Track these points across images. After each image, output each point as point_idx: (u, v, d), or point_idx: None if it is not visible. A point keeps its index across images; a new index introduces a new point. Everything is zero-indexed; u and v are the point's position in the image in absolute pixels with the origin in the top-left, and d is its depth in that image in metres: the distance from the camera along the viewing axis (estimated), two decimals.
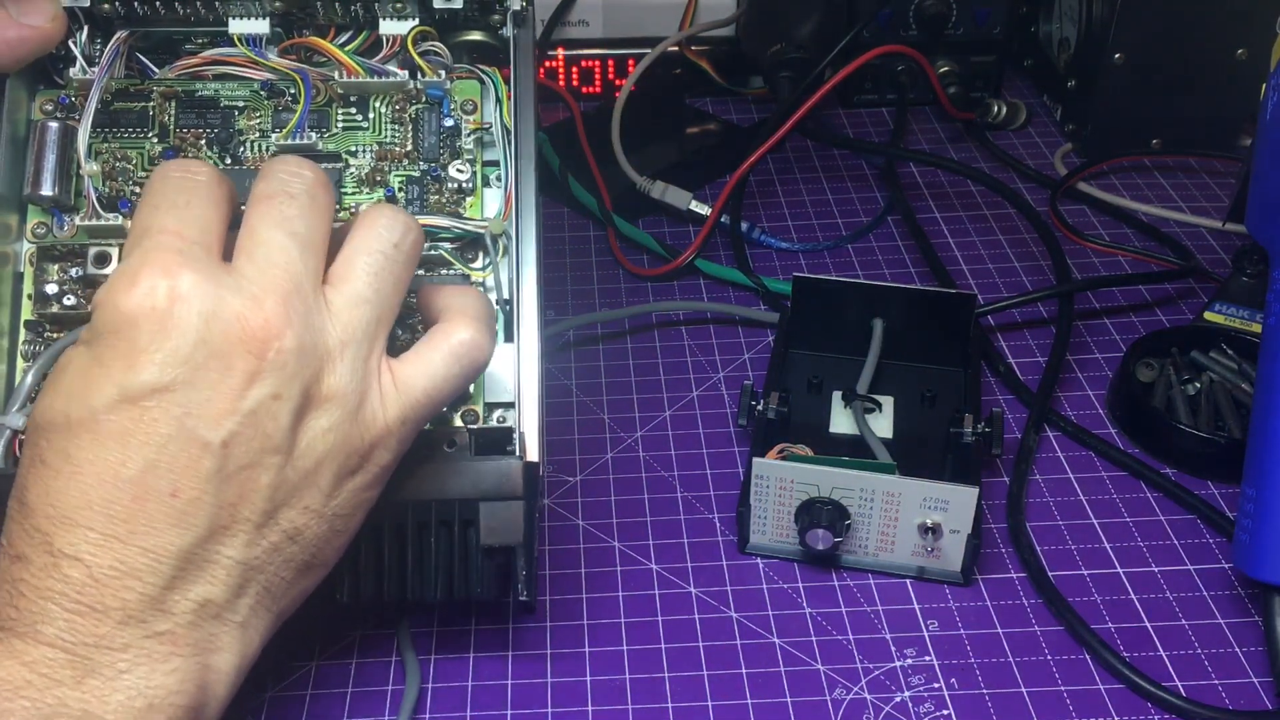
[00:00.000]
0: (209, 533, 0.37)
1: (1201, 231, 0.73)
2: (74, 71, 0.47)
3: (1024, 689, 0.46)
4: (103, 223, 0.45)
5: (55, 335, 0.46)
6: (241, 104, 0.48)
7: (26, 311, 0.46)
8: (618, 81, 0.87)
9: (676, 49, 0.86)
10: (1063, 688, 0.46)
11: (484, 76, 0.49)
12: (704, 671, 0.47)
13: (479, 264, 0.48)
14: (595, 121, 0.78)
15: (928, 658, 0.47)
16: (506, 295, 0.47)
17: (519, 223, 0.48)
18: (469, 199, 0.48)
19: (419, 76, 0.48)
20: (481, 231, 0.47)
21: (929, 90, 0.80)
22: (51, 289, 0.46)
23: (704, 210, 0.72)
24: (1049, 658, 0.47)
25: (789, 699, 0.46)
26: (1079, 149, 0.81)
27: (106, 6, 0.47)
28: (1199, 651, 0.48)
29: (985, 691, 0.46)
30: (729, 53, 0.87)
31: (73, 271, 0.46)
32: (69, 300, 0.46)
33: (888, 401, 0.57)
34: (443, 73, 0.49)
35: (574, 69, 0.88)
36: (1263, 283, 0.62)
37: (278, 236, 0.39)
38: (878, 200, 0.77)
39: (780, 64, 0.77)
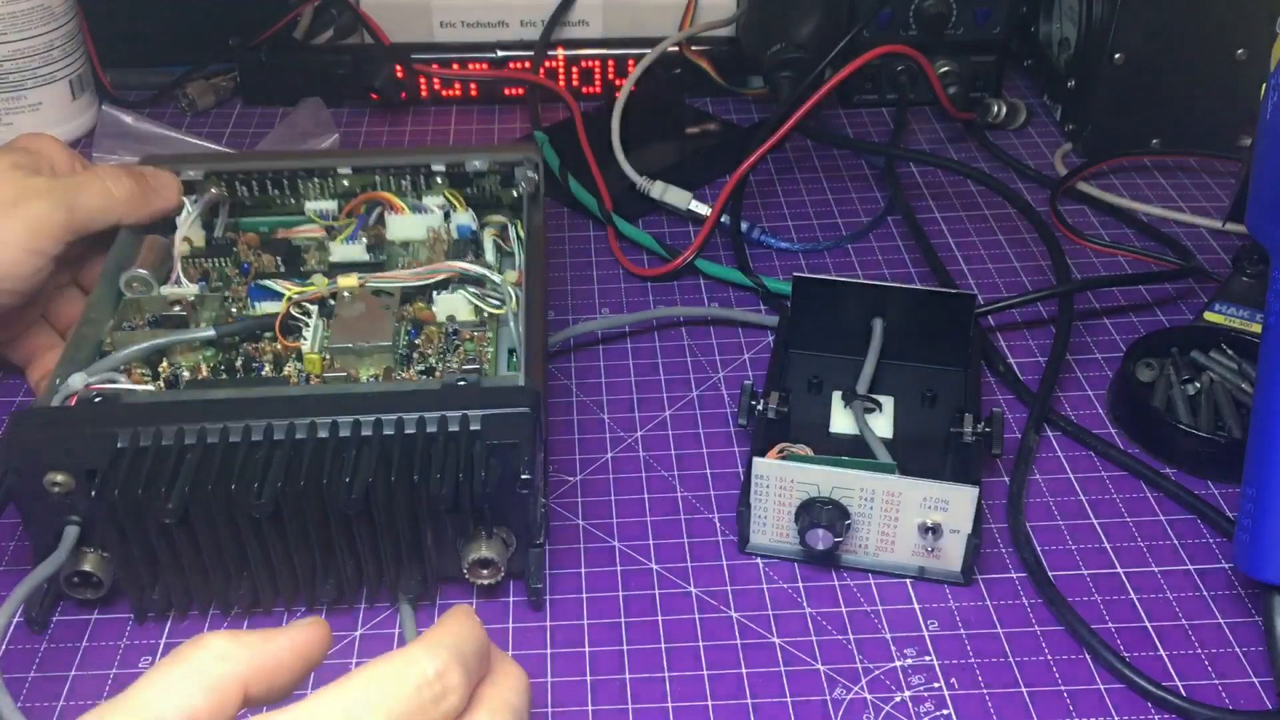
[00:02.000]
0: None
1: (1201, 231, 0.73)
2: (180, 218, 0.59)
3: (1024, 689, 0.46)
4: (182, 291, 0.56)
5: (138, 325, 0.55)
6: (308, 245, 0.60)
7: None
8: (618, 81, 0.87)
9: (676, 49, 0.86)
10: (1063, 688, 0.46)
11: (506, 221, 0.61)
12: (704, 671, 0.47)
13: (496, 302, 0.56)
14: (595, 121, 0.78)
15: (928, 658, 0.47)
16: (513, 344, 0.53)
17: (529, 282, 0.55)
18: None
19: (453, 215, 0.61)
20: (498, 280, 0.56)
21: (929, 90, 0.80)
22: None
23: (704, 210, 0.72)
24: (1049, 658, 0.47)
25: (789, 699, 0.46)
26: (1079, 149, 0.81)
27: (214, 191, 0.61)
28: (1199, 651, 0.48)
29: (985, 691, 0.46)
30: (729, 53, 0.87)
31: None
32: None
33: (888, 401, 0.57)
34: (471, 210, 0.61)
35: (574, 69, 0.88)
36: (1263, 283, 0.62)
37: None
38: (878, 200, 0.77)
39: (780, 64, 0.77)
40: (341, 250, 0.59)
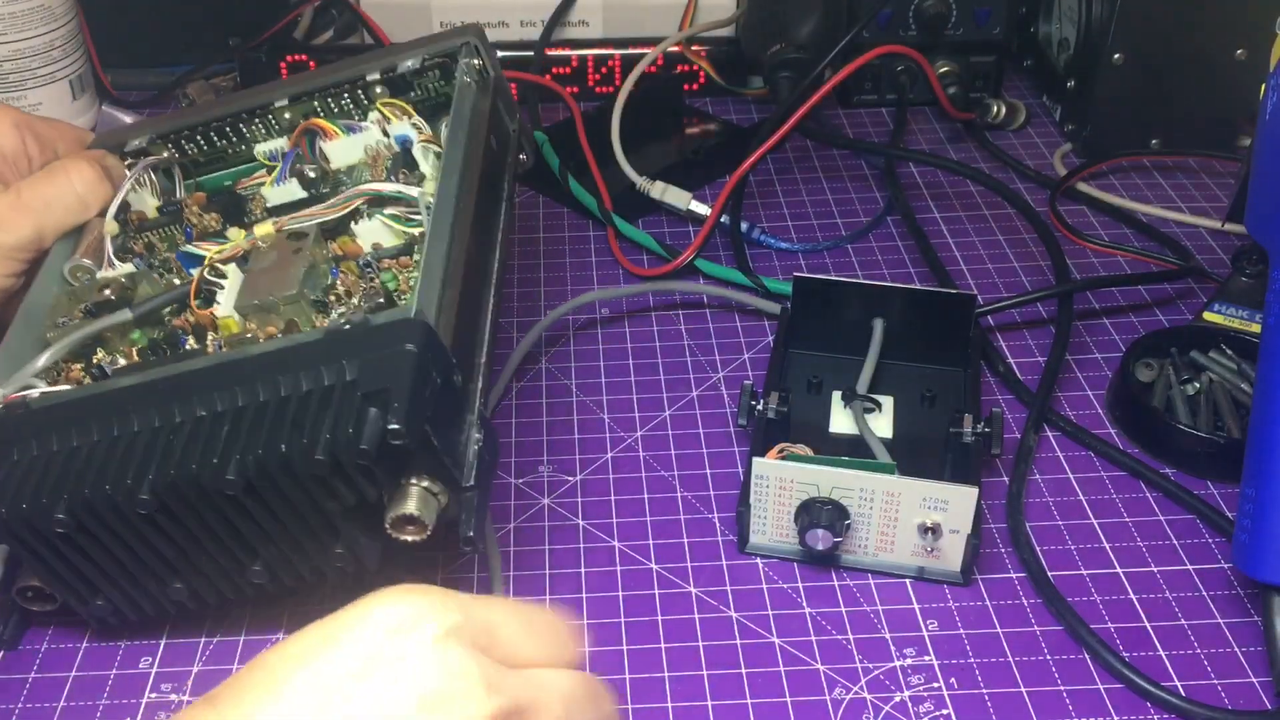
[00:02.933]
0: None
1: (1201, 232, 0.73)
2: (116, 195, 0.55)
3: (1023, 689, 0.46)
4: (115, 273, 0.52)
5: (75, 318, 0.50)
6: (253, 193, 0.56)
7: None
8: (618, 81, 0.87)
9: (676, 49, 0.86)
10: (1062, 687, 0.46)
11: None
12: (704, 671, 0.47)
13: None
14: (595, 121, 0.78)
15: (927, 657, 0.47)
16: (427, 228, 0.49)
17: (446, 188, 0.50)
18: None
19: (389, 127, 0.56)
20: (414, 194, 0.51)
21: (929, 90, 0.80)
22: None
23: (704, 210, 0.72)
24: (1048, 657, 0.47)
25: (789, 699, 0.46)
26: (1079, 149, 0.81)
27: (164, 154, 0.58)
28: (1198, 651, 0.48)
29: (985, 691, 0.46)
30: (729, 53, 0.87)
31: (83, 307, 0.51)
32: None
33: (887, 401, 0.57)
34: (411, 119, 0.55)
35: (574, 69, 0.88)
36: (1262, 283, 0.62)
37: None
38: (878, 200, 0.77)
39: (780, 64, 0.77)
40: (276, 193, 0.55)
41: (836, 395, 0.57)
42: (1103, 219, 0.74)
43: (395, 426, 0.40)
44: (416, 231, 0.50)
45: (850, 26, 0.78)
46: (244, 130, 0.58)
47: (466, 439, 0.44)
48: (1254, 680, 0.46)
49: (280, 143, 0.57)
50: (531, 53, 0.87)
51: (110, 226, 0.54)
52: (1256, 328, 0.61)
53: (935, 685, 0.46)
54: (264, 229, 0.52)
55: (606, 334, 0.65)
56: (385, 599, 0.33)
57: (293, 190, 0.54)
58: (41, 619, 0.49)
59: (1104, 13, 0.76)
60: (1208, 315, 0.63)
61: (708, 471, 0.56)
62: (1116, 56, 0.76)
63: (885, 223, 0.74)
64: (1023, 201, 0.69)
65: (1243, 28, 0.74)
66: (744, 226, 0.71)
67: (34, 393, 0.47)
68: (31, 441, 0.44)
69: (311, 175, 0.54)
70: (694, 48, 0.87)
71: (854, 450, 0.53)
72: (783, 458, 0.50)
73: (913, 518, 0.48)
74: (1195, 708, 0.45)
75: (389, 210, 0.51)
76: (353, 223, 0.51)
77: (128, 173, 0.56)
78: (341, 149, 0.55)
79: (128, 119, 0.79)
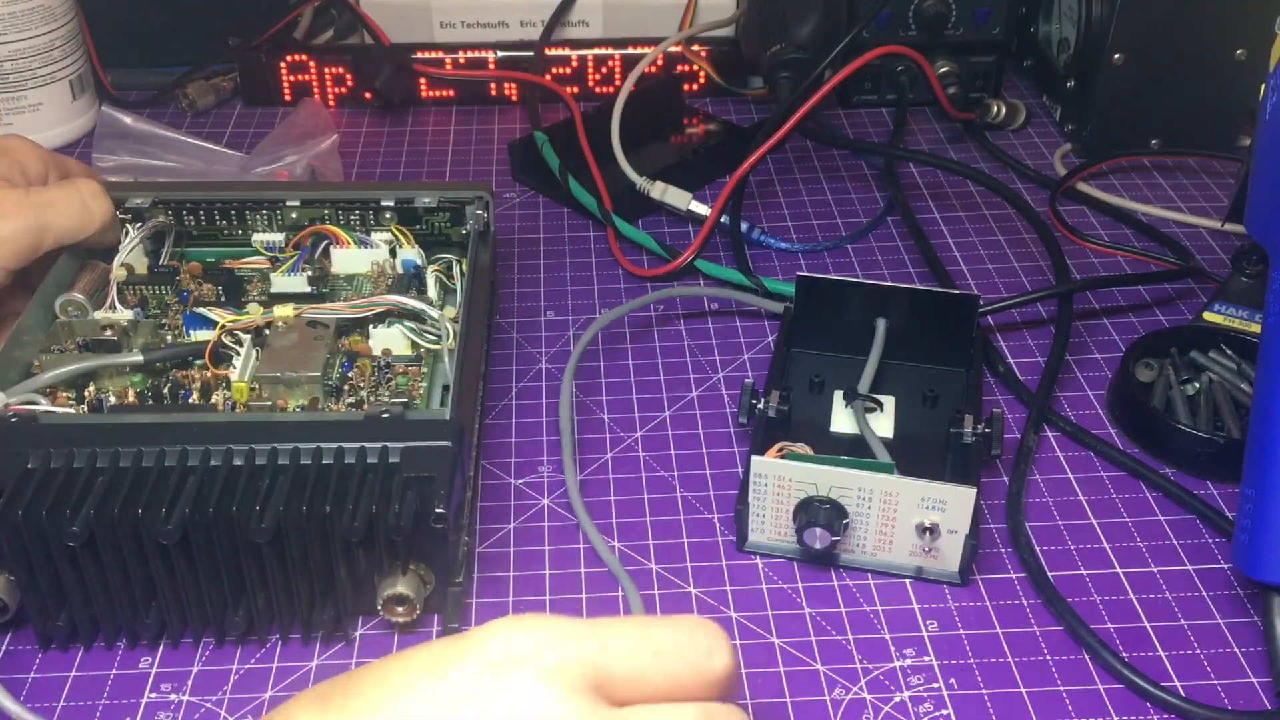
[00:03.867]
0: None
1: (1201, 232, 0.73)
2: (122, 245, 0.59)
3: (1023, 689, 0.46)
4: (116, 316, 0.55)
5: (68, 349, 0.54)
6: (251, 276, 0.60)
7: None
8: (618, 81, 0.87)
9: (677, 49, 0.86)
10: (1062, 688, 0.46)
11: (454, 259, 0.61)
12: None
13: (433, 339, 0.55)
14: (595, 121, 0.78)
15: (927, 658, 0.47)
16: (448, 380, 0.53)
17: (468, 318, 0.55)
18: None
19: (399, 250, 0.61)
20: (436, 315, 0.55)
21: (928, 90, 0.80)
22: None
23: (704, 210, 0.72)
24: (1048, 658, 0.47)
25: (788, 699, 0.46)
26: (1078, 149, 0.81)
27: (161, 219, 0.61)
28: (1198, 651, 0.48)
29: (985, 691, 0.46)
30: (729, 53, 0.88)
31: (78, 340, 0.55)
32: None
33: (889, 401, 0.57)
34: (419, 248, 0.61)
35: (574, 69, 0.88)
36: (1262, 283, 0.62)
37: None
38: (878, 200, 0.77)
39: (780, 64, 0.77)
40: (282, 281, 0.59)
41: (838, 395, 0.57)
42: (1103, 219, 0.74)
43: (441, 511, 0.44)
44: (426, 346, 0.55)
45: (850, 26, 0.78)
46: (247, 217, 0.62)
47: (459, 539, 0.48)
48: (1254, 680, 0.46)
49: (278, 237, 0.62)
50: (531, 53, 0.87)
51: (119, 273, 0.58)
52: (1256, 328, 0.61)
53: (935, 685, 0.46)
54: (283, 311, 0.55)
55: (606, 334, 0.65)
56: (498, 630, 0.34)
57: (298, 283, 0.59)
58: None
59: (1104, 13, 0.76)
60: (1208, 315, 0.63)
61: (708, 472, 0.56)
62: (1116, 56, 0.76)
63: (885, 223, 0.74)
64: (1023, 201, 0.69)
65: (1243, 28, 0.74)
66: (744, 227, 0.71)
67: (39, 408, 0.49)
68: (49, 453, 0.45)
69: (310, 274, 0.59)
70: (694, 48, 0.87)
71: (855, 450, 0.53)
72: (782, 456, 0.50)
73: (911, 518, 0.48)
74: (1195, 708, 0.45)
75: (409, 323, 0.55)
76: (372, 326, 0.55)
77: (130, 228, 0.60)
78: (349, 258, 0.60)
79: (128, 120, 0.79)
